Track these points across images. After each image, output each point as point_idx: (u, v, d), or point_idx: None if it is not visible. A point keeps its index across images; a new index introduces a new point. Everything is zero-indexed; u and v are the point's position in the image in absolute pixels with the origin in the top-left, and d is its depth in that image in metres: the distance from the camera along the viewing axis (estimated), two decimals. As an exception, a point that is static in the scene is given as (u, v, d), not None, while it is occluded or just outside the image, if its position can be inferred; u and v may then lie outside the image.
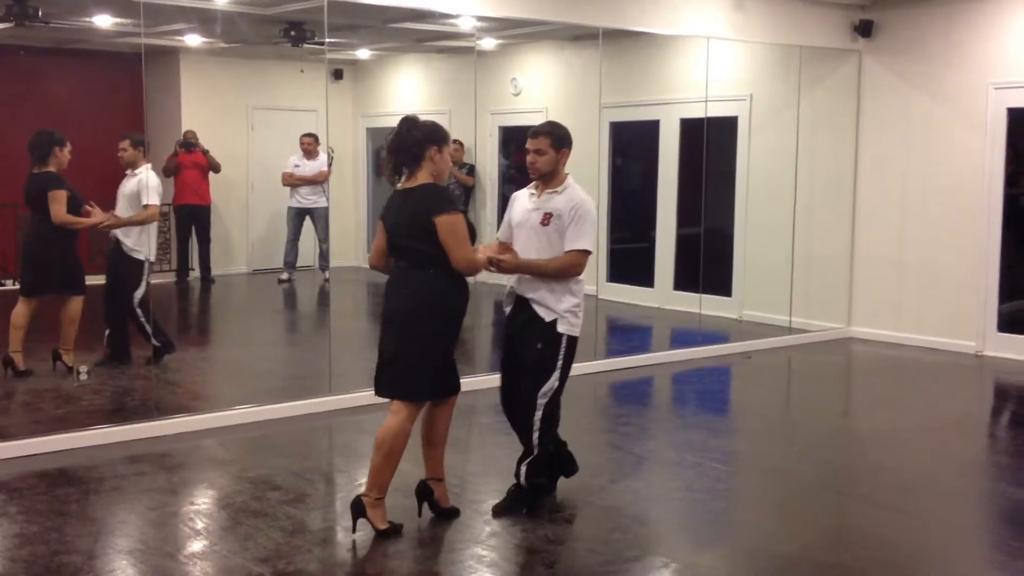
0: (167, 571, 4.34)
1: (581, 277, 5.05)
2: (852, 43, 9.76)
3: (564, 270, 4.96)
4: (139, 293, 7.68)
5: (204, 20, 10.09)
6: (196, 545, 4.67)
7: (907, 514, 5.24)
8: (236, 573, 4.32)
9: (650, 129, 11.02)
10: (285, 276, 11.70)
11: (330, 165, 11.61)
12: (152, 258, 7.94)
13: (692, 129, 10.46)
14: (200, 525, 4.92)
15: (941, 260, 9.34)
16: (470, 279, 4.89)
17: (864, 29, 9.66)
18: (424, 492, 4.93)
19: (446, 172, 4.81)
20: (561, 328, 4.98)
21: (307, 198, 11.57)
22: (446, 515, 4.95)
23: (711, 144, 10.05)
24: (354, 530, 4.73)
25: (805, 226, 10.08)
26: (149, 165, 7.79)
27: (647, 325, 10.66)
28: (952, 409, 7.64)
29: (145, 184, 7.55)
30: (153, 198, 7.61)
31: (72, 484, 5.45)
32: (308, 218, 11.64)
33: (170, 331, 8.34)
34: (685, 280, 10.56)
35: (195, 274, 10.93)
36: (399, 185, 4.75)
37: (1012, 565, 4.57)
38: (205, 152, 10.59)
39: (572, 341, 5.03)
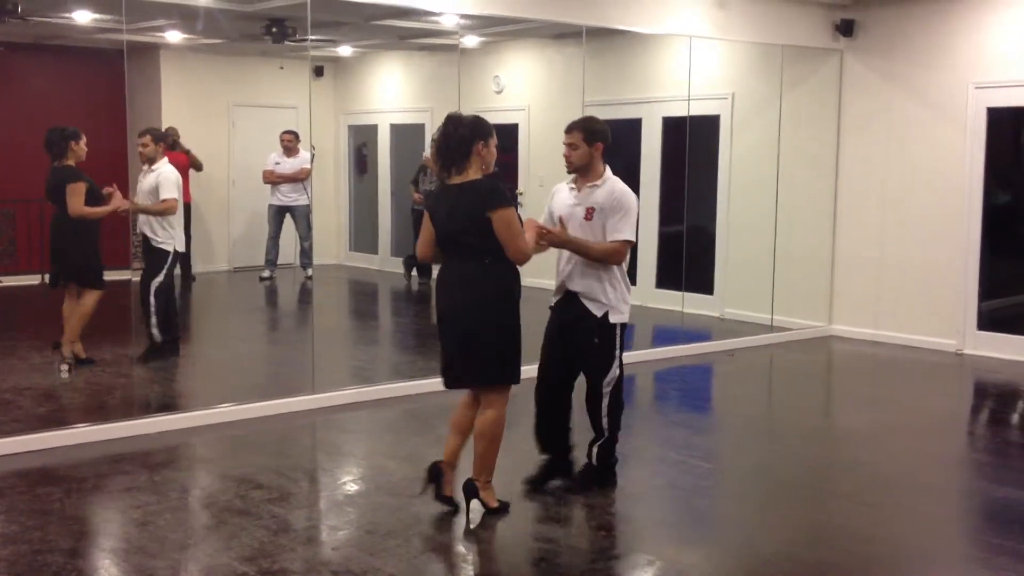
0: (150, 570, 4.32)
1: (623, 265, 5.28)
2: (834, 42, 9.80)
3: (606, 256, 5.17)
4: (157, 281, 7.82)
5: (185, 16, 10.04)
6: (179, 544, 4.65)
7: (888, 511, 5.27)
8: (220, 572, 4.30)
9: (632, 127, 11.03)
10: (267, 274, 11.65)
11: (312, 162, 11.57)
12: (181, 248, 8.07)
13: (674, 128, 10.48)
14: (183, 524, 4.90)
15: (922, 258, 9.39)
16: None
17: (846, 28, 9.70)
18: (437, 473, 5.03)
19: (492, 163, 4.92)
20: (613, 319, 5.25)
21: (288, 196, 11.53)
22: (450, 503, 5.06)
23: (693, 143, 10.07)
24: (468, 509, 4.95)
25: (786, 224, 10.12)
26: (166, 160, 7.94)
27: (629, 323, 10.65)
28: (932, 407, 7.69)
29: (165, 179, 7.75)
30: (172, 192, 7.77)
31: (54, 483, 5.42)
32: (289, 216, 11.60)
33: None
34: (667, 278, 10.59)
35: (176, 272, 10.86)
36: (449, 180, 4.83)
37: (992, 562, 4.61)
38: (187, 152, 10.54)
39: (623, 328, 5.30)
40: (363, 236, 13.76)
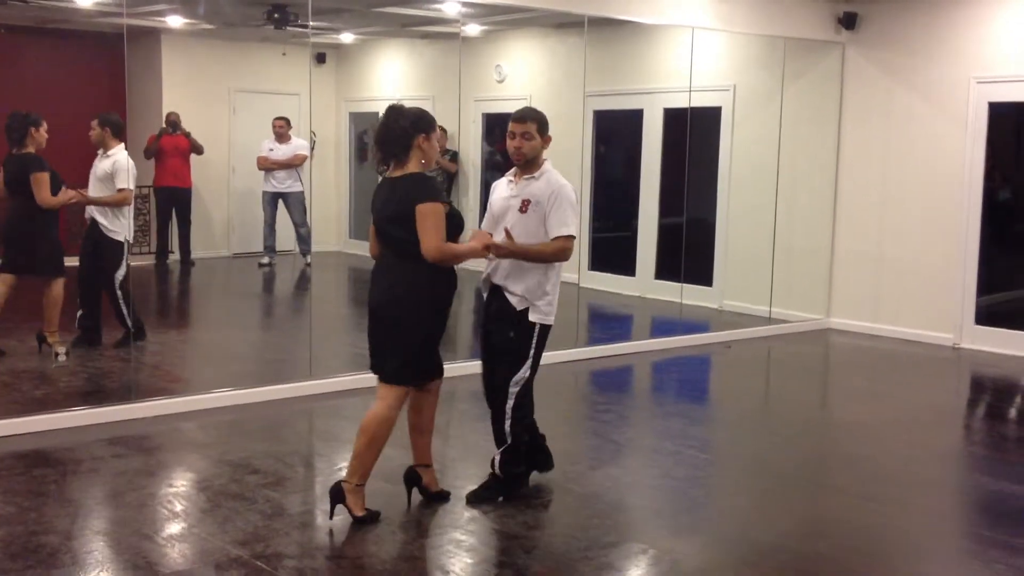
0: (145, 553, 4.33)
1: (558, 265, 5.03)
2: (836, 35, 9.79)
3: (555, 257, 4.94)
4: (120, 274, 7.66)
5: (186, 1, 10.02)
6: (174, 527, 4.67)
7: (883, 504, 5.28)
8: (214, 555, 4.31)
9: (634, 118, 11.03)
10: (265, 260, 11.65)
11: (312, 149, 11.56)
12: (131, 238, 7.91)
13: (675, 119, 10.47)
14: (178, 507, 4.91)
15: (920, 253, 9.39)
16: (459, 266, 4.85)
17: (848, 21, 9.68)
18: (413, 478, 4.95)
19: (434, 158, 4.81)
20: (533, 317, 4.96)
21: (282, 182, 11.53)
22: (436, 498, 4.97)
23: (694, 134, 10.07)
24: (331, 516, 4.70)
25: (786, 217, 10.12)
26: (122, 146, 7.70)
27: (628, 314, 10.68)
28: (929, 401, 7.69)
29: (121, 167, 7.52)
30: (127, 182, 7.57)
31: (50, 465, 5.43)
32: (282, 202, 11.61)
33: (149, 313, 8.27)
34: (666, 269, 10.58)
35: (175, 257, 10.87)
36: (387, 174, 4.73)
37: (985, 554, 4.62)
38: (187, 135, 10.54)
39: (544, 330, 5.02)
40: (363, 223, 13.74)
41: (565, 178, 5.08)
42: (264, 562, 4.24)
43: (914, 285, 9.46)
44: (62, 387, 7.03)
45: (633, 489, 5.43)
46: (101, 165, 7.64)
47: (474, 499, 5.02)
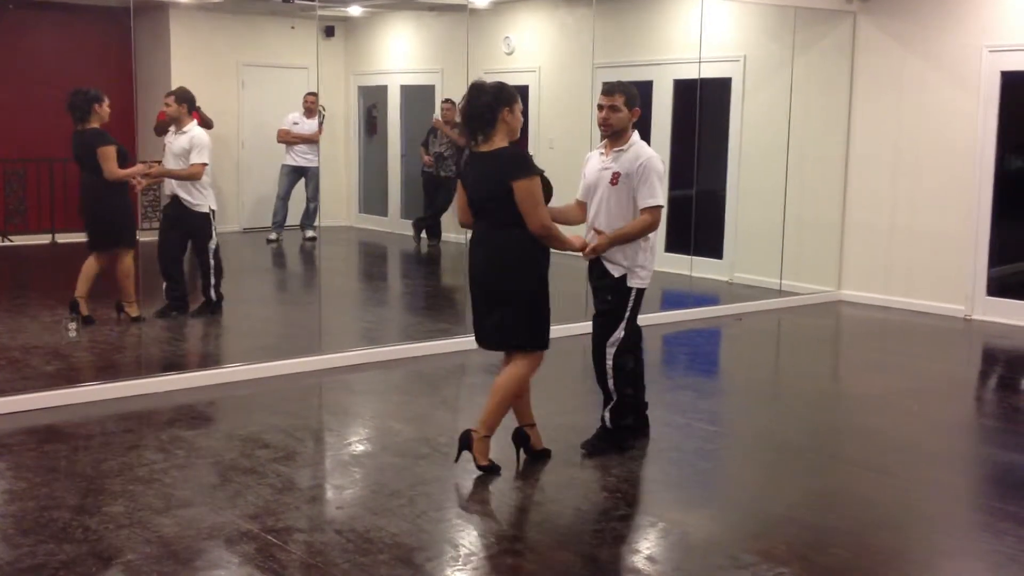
0: (156, 527, 4.35)
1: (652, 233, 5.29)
2: (847, 4, 9.69)
3: (645, 230, 5.19)
4: (213, 244, 8.07)
5: (194, -25, 9.98)
6: (185, 502, 4.68)
7: (894, 476, 5.28)
8: (225, 530, 4.33)
9: (643, 90, 10.92)
10: (273, 236, 11.65)
11: (321, 124, 11.54)
12: (214, 207, 8.18)
13: (685, 90, 10.42)
14: (189, 482, 4.93)
15: (932, 223, 9.34)
16: None
17: (859, -10, 9.61)
18: (522, 438, 5.15)
19: (519, 129, 4.95)
20: (631, 282, 5.25)
21: (304, 156, 11.54)
22: (540, 456, 5.20)
23: (704, 105, 10.01)
24: (457, 460, 5.00)
25: (797, 188, 10.07)
26: (195, 122, 7.98)
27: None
28: (940, 372, 7.67)
29: (196, 143, 7.83)
30: (203, 156, 7.84)
31: (61, 440, 5.46)
32: (302, 177, 11.60)
33: (158, 288, 8.28)
34: (676, 242, 10.56)
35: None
36: (476, 148, 4.88)
37: (996, 526, 4.61)
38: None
39: (640, 294, 5.30)
40: (372, 198, 13.76)
41: (648, 148, 5.28)
42: (275, 536, 4.26)
43: (925, 256, 9.42)
44: (73, 362, 7.05)
45: (643, 462, 5.43)
46: (178, 141, 7.91)
47: (590, 449, 5.33)
